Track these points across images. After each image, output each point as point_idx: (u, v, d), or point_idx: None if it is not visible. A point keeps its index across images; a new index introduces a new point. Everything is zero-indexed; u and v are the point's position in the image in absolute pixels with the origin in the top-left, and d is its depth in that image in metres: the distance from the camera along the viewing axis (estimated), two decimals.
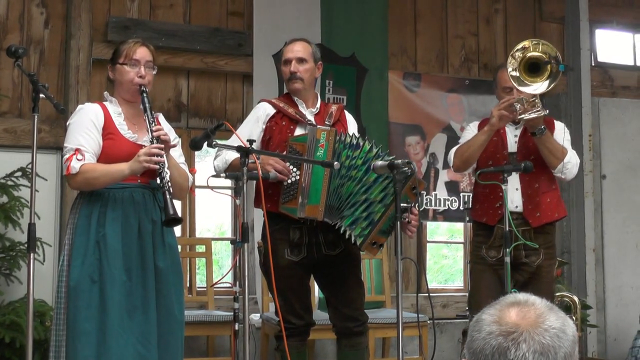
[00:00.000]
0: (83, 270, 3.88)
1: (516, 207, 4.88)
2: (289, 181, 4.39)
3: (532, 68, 4.80)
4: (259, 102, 4.77)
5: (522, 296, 1.81)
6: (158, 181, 3.94)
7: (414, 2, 7.54)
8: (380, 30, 7.18)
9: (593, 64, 8.07)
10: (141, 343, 3.92)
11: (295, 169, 4.40)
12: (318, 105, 4.69)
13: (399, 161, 4.11)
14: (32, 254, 3.79)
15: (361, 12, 7.08)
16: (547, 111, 4.79)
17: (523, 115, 4.72)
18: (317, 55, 4.71)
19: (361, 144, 4.38)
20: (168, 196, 3.88)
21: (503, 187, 4.66)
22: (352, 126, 4.77)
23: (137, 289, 3.96)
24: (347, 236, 4.35)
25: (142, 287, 3.97)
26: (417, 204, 4.31)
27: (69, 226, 4.03)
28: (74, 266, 3.90)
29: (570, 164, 4.90)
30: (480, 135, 4.86)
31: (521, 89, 4.75)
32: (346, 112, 4.83)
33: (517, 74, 4.76)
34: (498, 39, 7.78)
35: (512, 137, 4.97)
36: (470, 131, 5.09)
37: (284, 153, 4.42)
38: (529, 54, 4.78)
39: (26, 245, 3.86)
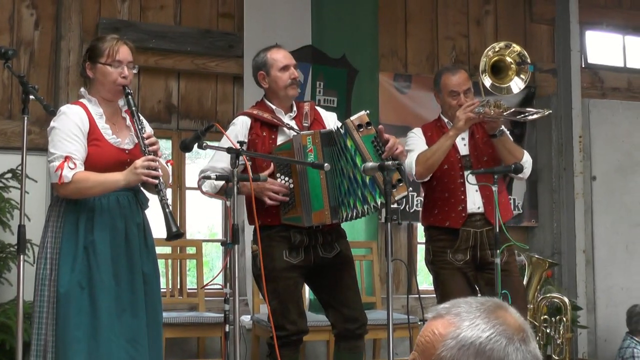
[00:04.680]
0: (73, 277, 3.85)
1: (478, 208, 4.90)
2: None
3: (495, 70, 4.91)
4: (235, 118, 4.75)
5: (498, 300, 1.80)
6: (157, 195, 3.93)
7: (404, 4, 7.55)
8: (370, 31, 7.19)
9: (583, 66, 8.09)
10: (131, 344, 3.90)
11: (287, 178, 4.39)
12: (294, 107, 4.67)
13: (389, 162, 4.11)
14: (22, 256, 3.78)
15: (352, 14, 7.08)
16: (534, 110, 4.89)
17: (518, 117, 4.80)
18: None
19: (336, 138, 4.37)
20: (168, 211, 3.87)
21: (494, 188, 4.66)
22: (330, 119, 4.76)
23: (125, 292, 3.94)
24: (370, 212, 4.36)
25: (131, 290, 3.95)
26: (373, 129, 4.28)
27: (49, 230, 3.96)
28: (63, 272, 3.86)
29: (528, 163, 4.97)
30: (445, 141, 4.83)
31: (506, 94, 4.87)
32: (318, 108, 4.83)
33: (491, 81, 4.86)
34: (488, 41, 7.77)
35: (460, 141, 4.97)
36: (417, 137, 5.03)
37: (271, 165, 4.41)
38: (495, 57, 4.91)
39: (16, 247, 3.85)
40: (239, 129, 4.54)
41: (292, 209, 4.37)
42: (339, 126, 4.43)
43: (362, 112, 4.39)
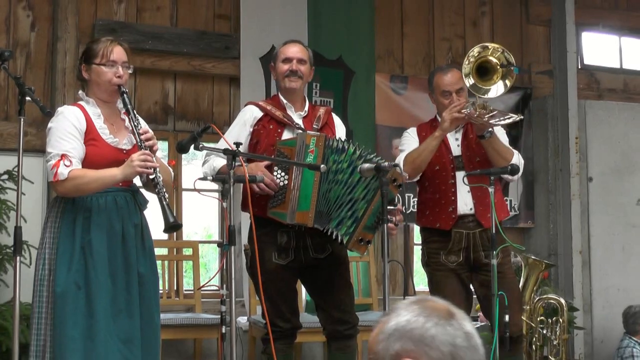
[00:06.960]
0: (69, 277, 3.85)
1: (470, 209, 4.88)
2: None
3: (482, 72, 4.88)
4: (245, 105, 4.77)
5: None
6: (154, 187, 3.93)
7: (400, 5, 7.56)
8: (367, 33, 7.19)
9: (579, 67, 8.11)
10: (126, 346, 3.90)
11: (283, 173, 4.38)
12: (306, 108, 4.67)
13: (386, 164, 4.11)
14: (18, 257, 3.78)
15: (348, 15, 7.08)
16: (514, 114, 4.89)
17: (492, 121, 4.77)
18: (312, 60, 4.73)
19: (346, 147, 4.37)
20: (165, 202, 3.86)
21: (490, 189, 4.65)
22: (340, 129, 4.76)
23: (121, 293, 3.94)
24: (334, 237, 4.35)
25: (127, 291, 3.95)
26: (398, 200, 4.27)
27: (48, 231, 3.96)
28: (60, 272, 3.86)
29: (519, 163, 4.93)
30: (431, 141, 4.80)
31: (483, 95, 4.85)
32: (334, 115, 4.82)
33: (473, 82, 4.83)
34: (485, 42, 7.75)
35: (453, 141, 4.96)
36: (410, 137, 5.03)
37: (272, 157, 4.41)
38: (480, 60, 4.88)
39: (12, 248, 3.85)
40: (248, 117, 4.60)
41: (280, 204, 4.35)
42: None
43: (405, 174, 4.47)
